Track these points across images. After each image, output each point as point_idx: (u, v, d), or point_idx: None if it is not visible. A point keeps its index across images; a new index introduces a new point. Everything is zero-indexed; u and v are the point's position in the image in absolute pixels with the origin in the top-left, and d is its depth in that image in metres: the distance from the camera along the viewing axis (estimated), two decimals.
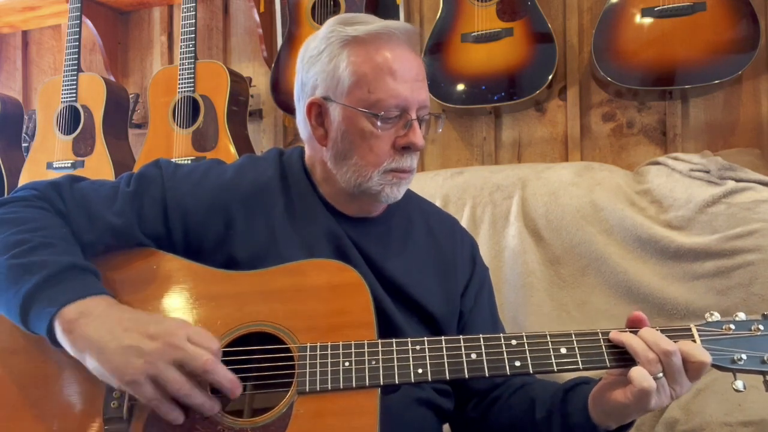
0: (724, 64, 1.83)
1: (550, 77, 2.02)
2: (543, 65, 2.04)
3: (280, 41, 2.51)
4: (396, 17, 2.38)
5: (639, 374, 0.86)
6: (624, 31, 1.94)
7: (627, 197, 1.76)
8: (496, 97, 2.08)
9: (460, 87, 2.13)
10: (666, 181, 1.75)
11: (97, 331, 0.88)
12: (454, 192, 1.94)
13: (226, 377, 0.87)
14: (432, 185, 1.98)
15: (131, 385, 0.87)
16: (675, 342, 0.88)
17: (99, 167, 2.49)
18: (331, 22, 1.09)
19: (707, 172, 1.71)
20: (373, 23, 1.06)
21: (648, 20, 1.92)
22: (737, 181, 1.66)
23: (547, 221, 1.79)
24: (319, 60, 1.07)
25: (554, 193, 1.81)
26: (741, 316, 0.93)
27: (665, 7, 1.89)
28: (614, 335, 0.91)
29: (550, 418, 1.02)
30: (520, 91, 2.06)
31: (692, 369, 0.88)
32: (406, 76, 1.04)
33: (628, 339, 0.89)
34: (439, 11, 2.18)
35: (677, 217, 1.67)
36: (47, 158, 2.58)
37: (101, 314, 0.89)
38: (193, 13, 2.43)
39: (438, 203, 1.92)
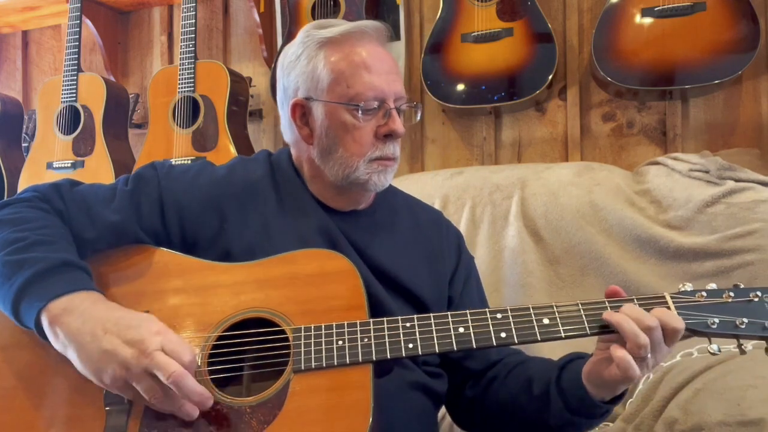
0: (724, 64, 1.83)
1: (550, 77, 2.02)
2: (543, 65, 2.04)
3: (280, 41, 2.51)
4: (396, 17, 2.38)
5: (623, 360, 0.91)
6: (624, 31, 1.94)
7: (626, 197, 1.76)
8: (496, 97, 2.08)
9: (460, 87, 2.13)
10: (665, 181, 1.75)
11: (79, 329, 0.91)
12: (453, 192, 1.94)
13: (194, 391, 0.89)
14: (432, 185, 1.98)
15: (110, 387, 0.90)
16: (649, 310, 0.93)
17: (99, 167, 2.49)
18: (306, 28, 1.16)
19: (707, 172, 1.71)
20: (345, 25, 1.13)
21: (648, 20, 1.92)
22: (737, 181, 1.66)
23: (547, 221, 1.79)
24: (297, 64, 1.13)
25: (554, 193, 1.81)
26: (712, 285, 0.98)
27: (665, 7, 1.89)
28: (608, 315, 0.95)
29: (547, 393, 1.05)
30: (520, 91, 2.06)
31: (668, 335, 0.93)
32: (381, 70, 1.10)
33: (618, 321, 0.92)
34: (439, 11, 2.18)
35: (677, 217, 1.67)
36: (47, 158, 2.58)
37: (84, 312, 0.92)
38: (193, 13, 2.43)
39: (438, 203, 1.92)
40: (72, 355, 0.91)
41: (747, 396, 1.12)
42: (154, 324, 0.92)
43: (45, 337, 0.94)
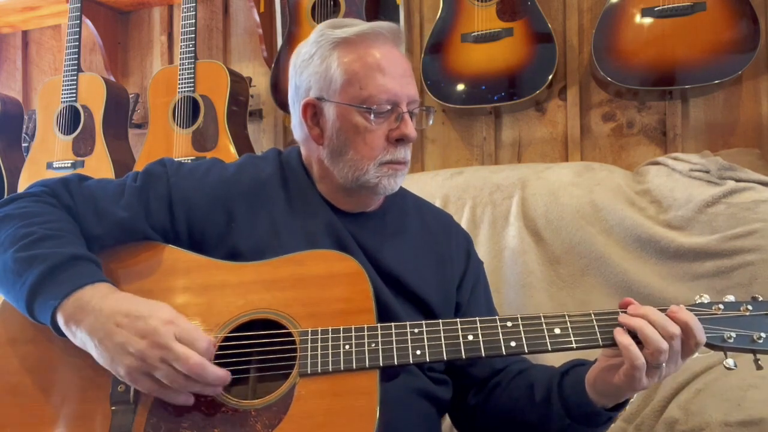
0: (724, 64, 1.83)
1: (550, 77, 2.02)
2: (543, 65, 2.04)
3: (280, 41, 2.51)
4: (396, 17, 2.38)
5: (628, 350, 0.90)
6: (624, 31, 1.94)
7: (627, 197, 1.76)
8: (496, 97, 2.08)
9: (460, 87, 2.13)
10: (666, 181, 1.75)
11: (92, 326, 0.92)
12: (454, 192, 1.94)
13: (216, 376, 0.90)
14: (432, 185, 1.98)
15: (127, 379, 0.92)
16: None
17: (99, 167, 2.49)
18: (320, 27, 1.14)
19: (707, 172, 1.71)
20: (360, 25, 1.11)
21: (648, 20, 1.92)
22: (737, 181, 1.66)
23: (547, 221, 1.79)
24: (311, 63, 1.12)
25: (554, 193, 1.81)
26: (730, 297, 0.95)
27: (665, 7, 1.89)
28: (624, 319, 0.92)
29: (549, 399, 1.05)
30: (520, 91, 2.06)
31: (686, 346, 0.91)
32: (395, 72, 1.09)
33: (641, 326, 0.90)
34: (439, 11, 2.18)
35: (677, 217, 1.67)
36: (47, 158, 2.58)
37: (95, 307, 0.93)
38: (193, 13, 2.43)
39: (438, 203, 1.92)
40: (91, 351, 0.93)
41: (748, 396, 1.12)
42: (165, 312, 0.93)
43: (62, 335, 0.95)
